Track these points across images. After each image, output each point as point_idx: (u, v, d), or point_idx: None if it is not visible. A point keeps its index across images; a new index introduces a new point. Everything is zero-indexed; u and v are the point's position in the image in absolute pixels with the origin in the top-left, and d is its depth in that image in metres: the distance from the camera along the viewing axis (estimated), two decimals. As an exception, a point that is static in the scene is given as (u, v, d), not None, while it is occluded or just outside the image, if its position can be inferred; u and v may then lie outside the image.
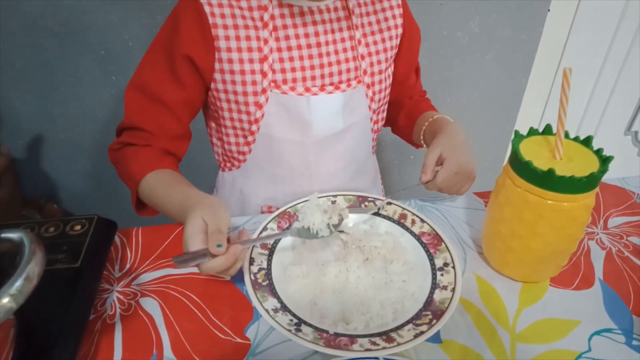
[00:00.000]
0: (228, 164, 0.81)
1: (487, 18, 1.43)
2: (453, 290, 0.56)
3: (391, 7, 0.75)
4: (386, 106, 0.83)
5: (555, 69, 1.65)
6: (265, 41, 0.66)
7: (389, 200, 0.71)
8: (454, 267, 0.59)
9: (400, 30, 0.76)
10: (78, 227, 0.61)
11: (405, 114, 0.87)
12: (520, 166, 0.57)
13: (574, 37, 1.57)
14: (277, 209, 0.70)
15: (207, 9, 0.63)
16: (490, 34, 1.46)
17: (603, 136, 1.86)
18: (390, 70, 0.79)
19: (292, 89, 0.69)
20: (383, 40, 0.74)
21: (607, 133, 1.86)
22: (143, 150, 0.68)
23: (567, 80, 0.54)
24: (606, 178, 0.84)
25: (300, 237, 0.61)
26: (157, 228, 0.71)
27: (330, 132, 0.74)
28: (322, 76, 0.70)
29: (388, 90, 0.80)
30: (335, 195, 0.72)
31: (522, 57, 1.55)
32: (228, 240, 0.53)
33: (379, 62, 0.74)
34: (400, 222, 0.69)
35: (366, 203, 0.72)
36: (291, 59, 0.68)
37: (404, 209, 0.70)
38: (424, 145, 0.81)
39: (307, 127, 0.72)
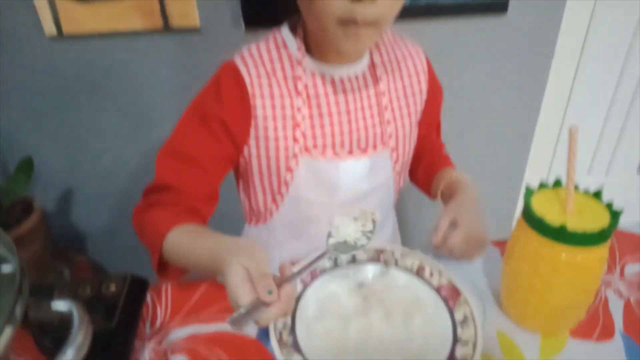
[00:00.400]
0: (254, 219, 0.84)
1: (493, 65, 1.48)
2: (474, 345, 0.57)
3: (417, 73, 0.78)
4: (409, 166, 0.86)
5: (564, 109, 1.68)
6: (299, 109, 0.70)
7: (407, 251, 0.73)
8: (474, 321, 0.60)
9: (425, 96, 0.80)
10: (112, 287, 0.64)
11: (424, 169, 0.90)
12: (533, 221, 0.59)
13: (580, 77, 1.61)
14: None
15: (247, 79, 0.68)
16: (496, 80, 1.51)
17: (615, 176, 1.87)
18: (415, 133, 0.81)
19: (323, 154, 0.72)
20: (408, 106, 0.78)
21: (620, 172, 1.86)
22: (170, 208, 0.68)
23: (573, 140, 0.57)
24: (620, 223, 0.85)
25: (339, 252, 0.59)
26: (185, 284, 0.74)
27: (356, 194, 0.77)
28: (351, 142, 0.74)
29: (411, 152, 0.83)
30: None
31: (530, 100, 1.59)
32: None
33: (403, 127, 0.78)
34: (418, 274, 0.71)
35: (384, 255, 0.74)
36: (322, 126, 0.72)
37: (421, 260, 0.72)
38: (442, 203, 0.83)
39: (334, 190, 0.75)
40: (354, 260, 0.74)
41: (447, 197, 0.78)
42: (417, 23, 1.35)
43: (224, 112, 0.68)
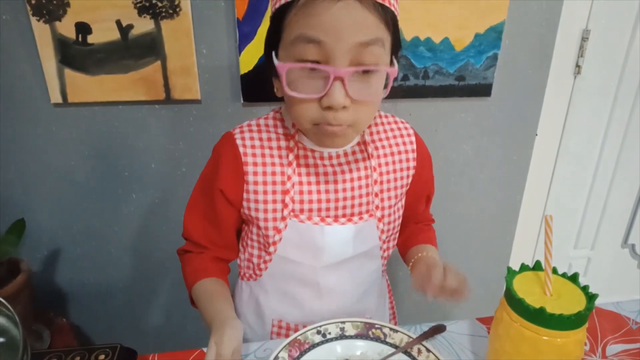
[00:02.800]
0: (247, 275, 0.87)
1: (479, 141, 1.56)
2: None
3: (406, 150, 0.83)
4: (397, 235, 0.89)
5: (548, 183, 1.75)
6: (289, 177, 0.76)
7: (396, 328, 0.75)
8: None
9: (412, 171, 0.84)
10: (102, 357, 0.64)
11: (404, 238, 0.94)
12: (514, 302, 0.62)
13: (563, 155, 1.69)
14: (287, 324, 0.79)
15: (241, 150, 0.75)
16: (483, 155, 1.58)
17: (601, 249, 1.91)
18: (401, 204, 0.86)
19: (309, 218, 0.77)
20: (396, 180, 0.82)
21: (605, 246, 1.91)
22: (197, 258, 0.82)
23: (549, 227, 0.61)
24: (604, 301, 0.88)
25: None
26: (173, 354, 0.74)
27: (340, 258, 0.80)
28: (337, 209, 0.78)
29: (398, 222, 0.86)
30: (344, 322, 0.76)
31: (516, 176, 1.66)
32: None
33: (389, 199, 0.82)
34: (407, 351, 0.72)
35: (373, 330, 0.75)
36: (310, 192, 0.76)
37: (409, 337, 0.73)
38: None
39: (319, 253, 0.78)
40: (342, 334, 0.75)
41: (416, 272, 0.82)
42: (408, 102, 1.44)
43: (222, 184, 0.77)
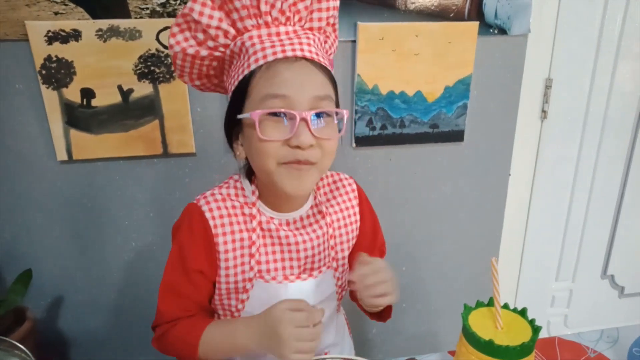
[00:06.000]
0: None
1: (456, 182, 1.66)
2: None
3: (352, 205, 0.94)
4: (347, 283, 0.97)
5: (525, 220, 1.85)
6: (254, 243, 0.84)
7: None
8: None
9: (358, 224, 0.95)
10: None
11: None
12: (469, 336, 0.70)
13: (537, 192, 1.80)
14: None
15: (211, 222, 0.82)
16: (461, 195, 1.68)
17: (582, 281, 1.99)
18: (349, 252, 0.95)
19: (274, 278, 0.86)
20: (347, 233, 0.93)
21: (586, 278, 1.99)
22: (181, 323, 0.83)
23: (495, 269, 0.71)
24: (587, 330, 0.99)
25: None
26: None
27: None
28: (299, 267, 0.88)
29: (347, 268, 0.95)
30: None
31: (494, 213, 1.75)
32: None
33: (342, 250, 0.93)
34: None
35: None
36: (274, 253, 0.86)
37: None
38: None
39: None
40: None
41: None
42: (388, 148, 1.55)
43: (197, 264, 0.83)
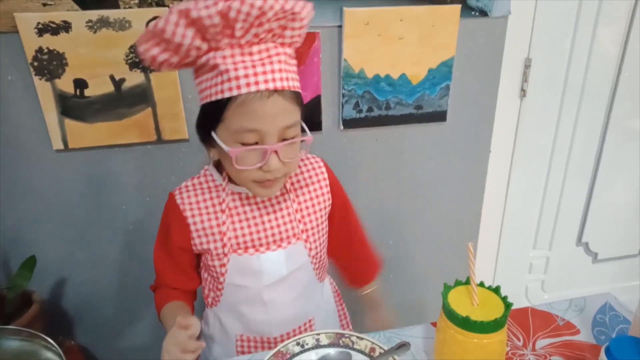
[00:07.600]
0: (209, 302, 1.07)
1: (440, 160, 1.74)
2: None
3: (319, 183, 1.03)
4: (325, 253, 1.08)
5: (504, 193, 1.94)
6: (223, 222, 0.95)
7: (362, 336, 0.91)
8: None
9: (329, 198, 1.04)
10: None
11: (352, 267, 1.19)
12: (448, 312, 0.79)
13: (515, 168, 1.88)
14: (247, 337, 1.02)
15: (182, 207, 0.95)
16: (444, 171, 1.76)
17: (558, 249, 2.11)
18: (324, 225, 1.05)
19: (245, 250, 0.97)
20: (314, 206, 1.01)
21: (561, 245, 2.10)
22: (160, 292, 1.03)
23: (471, 253, 0.79)
24: (562, 297, 1.10)
25: None
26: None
27: (277, 278, 0.98)
28: (267, 238, 0.98)
29: (325, 240, 1.06)
30: (319, 334, 0.93)
31: (475, 187, 1.84)
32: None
33: (310, 221, 1.01)
34: (370, 355, 0.88)
35: (343, 339, 0.92)
36: (241, 228, 0.96)
37: (373, 343, 0.90)
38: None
39: (259, 276, 0.97)
40: (317, 344, 0.91)
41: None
42: (375, 129, 1.61)
43: (174, 239, 0.98)
